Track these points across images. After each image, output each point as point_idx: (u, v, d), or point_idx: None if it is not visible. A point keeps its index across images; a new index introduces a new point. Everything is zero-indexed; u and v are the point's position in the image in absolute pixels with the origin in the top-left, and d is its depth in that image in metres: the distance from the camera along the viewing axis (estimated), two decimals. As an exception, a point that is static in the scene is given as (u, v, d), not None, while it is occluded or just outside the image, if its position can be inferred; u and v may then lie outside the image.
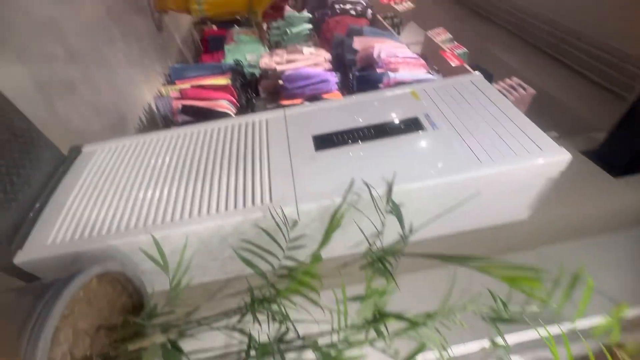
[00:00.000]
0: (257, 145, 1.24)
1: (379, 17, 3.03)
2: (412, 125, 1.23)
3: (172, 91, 2.26)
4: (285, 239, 0.92)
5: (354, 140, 1.19)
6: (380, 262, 0.81)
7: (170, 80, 2.43)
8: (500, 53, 2.44)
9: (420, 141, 1.16)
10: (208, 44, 3.17)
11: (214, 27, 3.29)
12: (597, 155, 1.63)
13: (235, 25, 3.23)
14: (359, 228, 0.89)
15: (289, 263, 0.88)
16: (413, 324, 0.75)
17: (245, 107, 2.30)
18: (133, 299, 0.98)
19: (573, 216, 1.49)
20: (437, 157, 1.09)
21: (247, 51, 2.69)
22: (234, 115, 2.04)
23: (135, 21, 2.28)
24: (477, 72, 1.47)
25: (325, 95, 2.11)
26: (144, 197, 1.10)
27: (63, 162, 1.30)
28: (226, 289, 1.29)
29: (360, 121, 1.28)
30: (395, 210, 0.83)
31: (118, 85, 1.89)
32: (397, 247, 0.82)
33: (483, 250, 1.43)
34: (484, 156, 1.07)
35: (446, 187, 1.04)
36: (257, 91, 2.66)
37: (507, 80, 1.93)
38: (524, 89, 1.84)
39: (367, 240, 0.86)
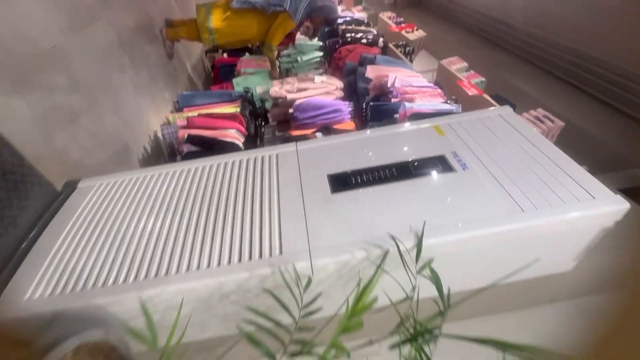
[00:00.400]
0: (266, 184, 1.13)
1: (390, 45, 3.00)
2: (438, 164, 1.10)
3: (179, 119, 2.20)
4: (297, 302, 0.77)
5: (375, 182, 1.07)
6: (415, 342, 0.66)
7: (179, 108, 2.38)
8: (518, 82, 2.34)
9: (450, 184, 1.03)
10: (219, 72, 3.16)
11: (225, 55, 3.30)
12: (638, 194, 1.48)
13: (247, 53, 3.23)
14: (386, 295, 0.74)
15: (302, 335, 0.73)
16: None
17: (254, 136, 2.22)
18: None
19: (618, 263, 1.31)
20: (472, 203, 0.96)
21: (256, 83, 2.66)
22: (241, 145, 1.95)
23: (146, 49, 2.26)
24: (506, 106, 1.35)
25: (337, 126, 2.02)
26: (137, 245, 0.98)
27: (55, 200, 1.20)
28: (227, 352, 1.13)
29: (380, 159, 1.16)
30: (435, 279, 0.69)
31: (124, 114, 1.82)
32: (434, 323, 0.67)
33: (519, 302, 1.25)
34: (526, 204, 0.93)
35: (483, 240, 0.89)
36: (266, 119, 2.59)
37: (532, 112, 1.81)
38: (551, 120, 1.72)
39: (398, 312, 0.71)
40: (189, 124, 2.05)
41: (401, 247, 0.85)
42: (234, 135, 1.96)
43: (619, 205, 0.89)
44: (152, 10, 2.44)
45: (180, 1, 2.99)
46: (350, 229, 0.93)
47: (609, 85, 1.90)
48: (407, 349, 0.67)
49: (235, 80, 2.75)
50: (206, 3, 2.51)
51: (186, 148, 1.88)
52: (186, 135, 1.89)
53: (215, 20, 2.46)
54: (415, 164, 1.11)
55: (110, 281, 0.90)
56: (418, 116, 1.79)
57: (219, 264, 0.90)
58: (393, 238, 0.86)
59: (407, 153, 1.17)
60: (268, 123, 2.62)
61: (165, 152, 2.24)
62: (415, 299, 0.75)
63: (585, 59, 2.04)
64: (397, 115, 1.90)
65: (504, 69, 2.52)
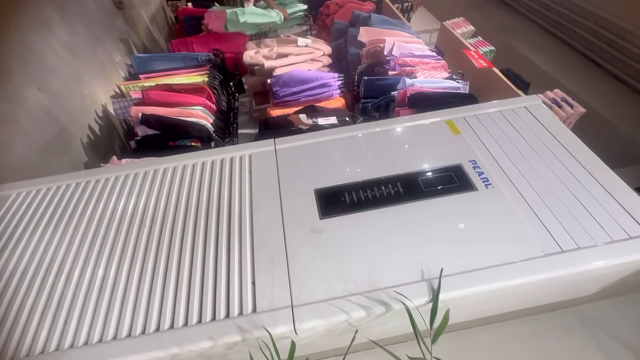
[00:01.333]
0: (236, 205, 0.87)
1: (387, 0, 2.58)
2: (455, 178, 0.87)
3: (133, 90, 1.82)
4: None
5: (375, 203, 0.84)
6: None
7: (134, 74, 1.97)
8: (530, 53, 2.06)
9: (471, 209, 0.81)
10: (182, 27, 2.66)
11: (189, 5, 2.77)
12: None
13: (216, 4, 2.72)
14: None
15: None
16: None
17: (226, 112, 1.89)
18: None
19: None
20: (500, 240, 0.75)
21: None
22: (210, 126, 1.63)
23: (83, -2, 1.78)
24: (533, 96, 1.11)
25: (324, 103, 1.72)
26: (61, 297, 0.73)
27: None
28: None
29: (382, 168, 0.92)
30: None
31: (55, 87, 1.44)
32: None
33: (516, 313, 1.13)
34: (568, 242, 0.74)
35: (512, 288, 0.70)
36: (241, 88, 2.23)
37: (549, 94, 1.58)
38: (571, 106, 1.50)
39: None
40: (145, 98, 1.68)
41: (410, 305, 0.65)
42: (200, 114, 1.63)
43: (679, 246, 0.71)
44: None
45: None
46: (346, 275, 0.72)
47: (634, 62, 1.66)
48: None
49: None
50: None
51: (141, 131, 1.54)
52: (140, 115, 1.55)
53: None
54: (425, 178, 0.88)
55: (24, 351, 0.66)
56: (420, 97, 1.52)
57: (171, 325, 0.68)
58: (401, 299, 0.65)
59: (414, 159, 0.94)
60: (243, 92, 2.27)
61: (120, 129, 1.89)
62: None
63: (611, 30, 1.76)
64: (394, 93, 1.62)
65: (514, 36, 2.20)
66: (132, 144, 1.51)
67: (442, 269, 0.69)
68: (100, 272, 0.76)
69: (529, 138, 0.96)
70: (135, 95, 1.75)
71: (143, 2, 2.61)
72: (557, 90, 1.58)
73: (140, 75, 1.91)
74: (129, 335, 0.67)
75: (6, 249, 0.82)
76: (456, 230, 0.77)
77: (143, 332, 0.67)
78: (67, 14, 1.60)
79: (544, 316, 1.30)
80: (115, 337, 0.67)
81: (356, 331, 0.68)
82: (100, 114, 1.74)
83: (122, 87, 1.86)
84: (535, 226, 0.76)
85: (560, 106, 1.51)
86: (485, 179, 0.86)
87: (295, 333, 0.68)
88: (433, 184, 0.86)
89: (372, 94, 1.71)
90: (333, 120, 1.52)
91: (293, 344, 0.64)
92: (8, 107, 1.17)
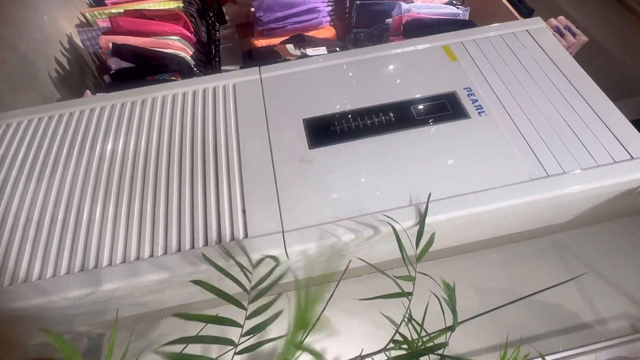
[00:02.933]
0: (222, 131, 0.84)
1: None
2: (448, 106, 0.85)
3: (100, 18, 1.63)
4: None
5: (366, 132, 0.82)
6: (414, 360, 0.54)
7: (98, 1, 1.75)
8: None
9: (462, 136, 0.80)
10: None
11: None
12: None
13: None
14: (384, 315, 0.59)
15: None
16: None
17: (206, 44, 1.74)
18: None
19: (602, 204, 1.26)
20: (488, 164, 0.76)
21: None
22: (190, 58, 1.51)
23: None
24: (536, 18, 1.03)
25: (313, 32, 1.58)
26: (50, 226, 0.73)
27: None
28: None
29: (373, 96, 0.88)
30: (450, 298, 0.53)
31: (10, 15, 1.27)
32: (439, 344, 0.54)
33: (494, 241, 1.21)
34: (554, 167, 0.74)
35: (496, 211, 0.73)
36: (222, 18, 2.02)
37: (552, 21, 1.47)
38: (574, 34, 1.42)
39: (395, 328, 0.58)
40: (114, 27, 1.52)
41: (398, 228, 0.67)
42: (178, 45, 1.49)
43: (659, 169, 0.73)
44: None
45: None
46: (335, 201, 0.73)
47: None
48: (405, 368, 0.56)
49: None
50: None
51: (114, 64, 1.42)
52: (111, 45, 1.41)
53: None
54: (418, 106, 0.85)
55: (20, 278, 0.68)
56: (416, 24, 1.41)
57: (165, 251, 0.69)
58: (389, 221, 0.67)
59: (406, 87, 0.89)
60: (224, 23, 2.07)
61: (92, 64, 1.74)
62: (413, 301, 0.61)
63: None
64: (389, 21, 1.50)
65: None
66: (106, 78, 1.40)
67: (430, 194, 0.70)
68: (87, 204, 0.75)
69: (527, 64, 0.91)
70: (103, 23, 1.58)
71: None
72: (561, 18, 1.47)
73: (106, 1, 1.70)
74: (123, 261, 0.68)
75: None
76: (446, 157, 0.77)
77: (137, 258, 0.69)
78: None
79: (521, 244, 1.40)
80: (110, 263, 0.68)
81: (350, 261, 0.71)
82: (67, 45, 1.58)
83: (88, 15, 1.66)
84: (524, 152, 0.76)
85: (562, 35, 1.43)
86: (479, 107, 0.84)
87: (287, 257, 0.70)
88: (425, 112, 0.84)
89: (365, 22, 1.58)
90: (322, 50, 1.42)
91: (277, 260, 0.67)
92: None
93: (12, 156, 0.84)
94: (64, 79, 1.51)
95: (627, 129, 0.79)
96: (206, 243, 0.70)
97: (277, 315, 0.60)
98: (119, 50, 1.39)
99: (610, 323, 1.29)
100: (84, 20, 1.71)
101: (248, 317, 0.60)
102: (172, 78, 1.43)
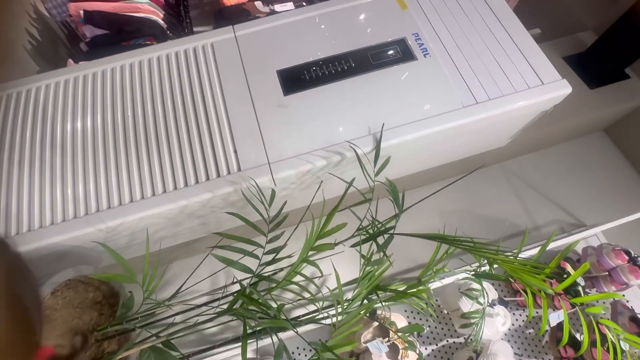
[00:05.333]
0: (207, 87, 0.97)
1: None
2: (399, 51, 1.00)
3: (63, -16, 1.61)
4: (264, 218, 0.81)
5: (330, 77, 0.96)
6: (373, 240, 0.76)
7: (55, -37, 1.70)
8: None
9: (410, 75, 0.96)
10: None
11: None
12: (580, 61, 1.54)
13: None
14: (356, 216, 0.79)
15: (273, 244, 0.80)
16: (406, 294, 0.76)
17: (175, 6, 1.75)
18: (103, 290, 0.89)
19: (540, 132, 1.49)
20: (430, 97, 0.93)
21: None
22: (162, 21, 1.55)
23: None
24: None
25: (280, -12, 1.63)
26: (73, 176, 0.87)
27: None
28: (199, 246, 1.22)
29: (335, 46, 1.01)
30: (392, 189, 0.73)
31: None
32: (388, 227, 0.76)
33: (454, 169, 1.44)
34: (482, 95, 0.93)
35: (437, 135, 0.92)
36: (186, -24, 1.99)
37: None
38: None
39: (357, 217, 0.78)
40: (81, -7, 1.52)
41: (359, 152, 0.85)
42: (148, 8, 1.52)
43: (562, 91, 0.93)
44: None
45: None
46: (309, 136, 0.90)
47: None
48: (367, 248, 0.78)
49: None
50: None
51: (89, 32, 1.45)
52: (82, 13, 1.43)
53: None
54: (374, 52, 0.99)
55: (59, 218, 0.83)
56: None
57: (175, 187, 0.86)
58: (352, 146, 0.85)
59: (365, 36, 1.03)
60: (189, -18, 2.04)
61: (61, 34, 1.74)
62: (373, 200, 0.81)
63: None
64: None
65: None
66: (83, 46, 1.45)
67: (383, 124, 0.88)
68: (101, 156, 0.89)
69: (468, 9, 1.05)
70: (67, -11, 1.56)
71: None
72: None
73: (64, -36, 1.66)
74: (142, 197, 0.85)
75: (3, 148, 0.91)
76: (396, 94, 0.94)
77: (153, 194, 0.85)
78: None
79: (477, 172, 1.64)
80: (132, 200, 0.84)
81: (321, 182, 0.89)
82: (34, 15, 1.57)
83: (48, -19, 1.63)
84: (459, 85, 0.94)
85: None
86: (425, 50, 0.99)
87: (274, 183, 0.88)
88: (380, 58, 0.99)
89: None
90: (290, 6, 1.50)
91: (273, 192, 0.85)
92: None
93: (16, 127, 0.94)
94: (38, 50, 1.53)
95: (542, 60, 0.97)
96: (208, 178, 0.86)
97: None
98: (91, 17, 1.42)
99: (543, 228, 1.59)
100: (44, -13, 1.68)
101: (268, 242, 0.78)
102: (148, 42, 1.49)
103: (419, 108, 0.92)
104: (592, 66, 1.48)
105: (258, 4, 1.51)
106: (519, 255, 0.77)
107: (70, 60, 1.29)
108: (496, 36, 1.00)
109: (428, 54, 0.98)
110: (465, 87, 0.94)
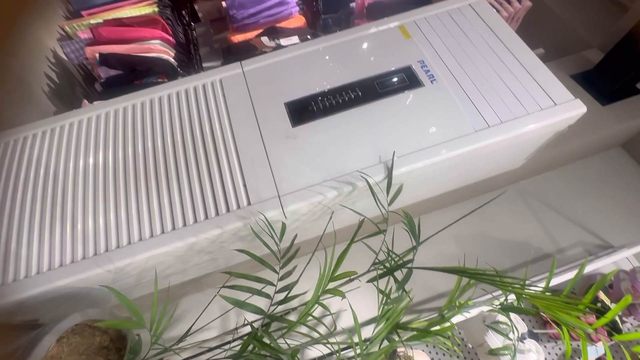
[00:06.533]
0: (216, 122, 0.98)
1: None
2: (405, 79, 1.00)
3: (81, 30, 1.70)
4: (275, 253, 0.78)
5: (338, 107, 0.96)
6: (391, 275, 0.72)
7: (74, 12, 1.81)
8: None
9: (418, 101, 0.96)
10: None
11: None
12: (588, 79, 1.53)
13: None
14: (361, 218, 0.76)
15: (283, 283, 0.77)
16: (429, 332, 0.71)
17: (185, 44, 1.83)
18: (110, 333, 0.85)
19: (554, 151, 1.45)
20: (441, 123, 0.92)
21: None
22: (173, 60, 1.61)
23: None
24: (478, -5, 1.17)
25: (284, 23, 1.70)
26: (84, 215, 0.87)
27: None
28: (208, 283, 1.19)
29: (341, 76, 1.02)
30: (409, 223, 0.70)
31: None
32: (406, 260, 0.72)
33: (467, 191, 1.40)
34: (493, 118, 0.91)
35: (450, 161, 0.90)
36: (196, 17, 2.10)
37: (500, -10, 1.62)
38: (519, 1, 1.56)
39: (373, 250, 0.75)
40: (97, 37, 1.61)
41: (371, 181, 0.83)
42: (159, 48, 1.59)
43: (576, 111, 0.90)
44: None
45: None
46: (319, 167, 0.88)
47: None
48: (384, 282, 0.73)
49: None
50: None
51: (103, 72, 1.52)
52: (98, 55, 1.50)
53: None
54: (380, 81, 1.00)
55: (68, 260, 0.82)
56: (377, 6, 1.54)
57: (184, 223, 0.84)
58: (364, 176, 0.83)
59: (370, 66, 1.04)
60: (198, 21, 2.15)
61: (78, 76, 1.82)
62: (389, 232, 0.78)
63: None
64: (353, 5, 1.62)
65: None
66: (98, 86, 1.50)
67: (394, 152, 0.87)
68: (111, 195, 0.89)
69: (470, 33, 1.06)
70: (84, 35, 1.66)
71: None
72: (506, -14, 1.62)
73: (82, 12, 1.77)
74: (151, 235, 0.83)
75: (17, 188, 0.92)
76: (405, 121, 0.93)
77: (162, 232, 0.84)
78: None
79: (491, 194, 1.59)
80: (141, 239, 0.83)
81: (332, 213, 0.87)
82: (52, 59, 1.66)
83: (67, 28, 1.73)
84: (469, 109, 0.93)
85: (510, 2, 1.58)
86: (431, 76, 0.99)
87: (285, 216, 0.86)
88: (387, 85, 0.99)
89: (331, 8, 1.69)
90: (295, 39, 1.54)
91: (284, 225, 0.83)
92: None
93: (30, 167, 0.96)
94: (56, 92, 1.60)
95: (551, 81, 0.95)
96: (217, 213, 0.85)
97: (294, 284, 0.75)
98: (106, 59, 1.49)
99: (568, 251, 1.51)
100: (64, 33, 1.78)
101: (280, 279, 0.75)
102: (159, 80, 1.54)
103: (430, 134, 0.90)
104: (602, 83, 1.47)
105: (264, 39, 1.56)
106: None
107: (85, 101, 1.33)
108: (502, 59, 1.00)
109: (435, 79, 0.98)
110: (475, 110, 0.92)
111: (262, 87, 1.03)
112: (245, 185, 0.88)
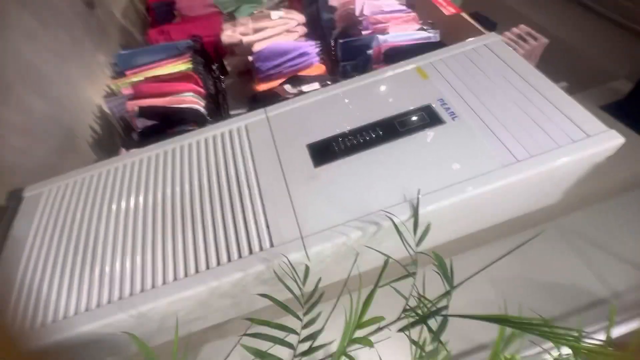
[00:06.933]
0: (241, 165, 1.01)
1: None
2: (425, 117, 1.00)
3: (124, 87, 1.90)
4: (298, 298, 0.74)
5: (359, 147, 0.97)
6: (424, 323, 0.66)
7: (119, 72, 2.04)
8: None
9: (441, 138, 0.95)
10: (154, 14, 2.66)
11: (159, -7, 2.75)
12: (620, 109, 1.47)
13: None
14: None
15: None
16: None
17: (214, 94, 1.98)
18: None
19: (594, 184, 1.35)
20: (465, 159, 0.90)
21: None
22: (203, 109, 1.73)
23: (56, 3, 1.81)
24: (492, 33, 1.21)
25: (306, 72, 1.81)
26: (112, 258, 0.89)
27: (2, 219, 1.04)
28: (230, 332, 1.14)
29: (362, 117, 1.04)
30: (441, 266, 0.65)
31: (52, 93, 1.53)
32: (440, 306, 0.66)
33: (502, 228, 1.30)
34: (521, 152, 0.88)
35: (478, 198, 0.86)
36: (224, 70, 2.29)
37: (515, 30, 1.66)
38: (535, 38, 1.59)
39: (404, 296, 0.70)
40: (137, 93, 1.77)
41: (396, 221, 0.80)
42: (192, 99, 1.72)
43: (613, 142, 0.86)
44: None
45: None
46: (341, 207, 0.87)
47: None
48: (416, 331, 0.67)
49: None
50: None
51: (141, 123, 1.65)
52: (137, 108, 1.65)
53: None
54: (400, 120, 1.01)
55: (94, 304, 0.83)
56: (394, 51, 1.61)
57: (207, 267, 0.84)
58: (388, 215, 0.80)
59: (390, 106, 1.06)
60: (227, 74, 2.33)
61: (118, 127, 1.99)
62: (418, 276, 0.73)
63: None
64: (370, 52, 1.71)
65: None
66: (135, 136, 1.63)
67: (419, 190, 0.84)
68: (139, 238, 0.91)
69: (488, 71, 1.07)
70: (127, 91, 1.84)
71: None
72: (521, 26, 1.66)
73: (126, 72, 1.98)
74: (175, 279, 0.83)
75: (55, 232, 0.96)
76: (429, 158, 0.92)
77: (186, 275, 0.83)
78: (46, 20, 1.65)
79: (526, 232, 1.48)
80: (164, 282, 0.83)
81: (357, 254, 0.84)
82: (98, 113, 1.84)
83: (113, 86, 1.94)
84: (494, 144, 0.90)
85: (525, 40, 1.61)
86: (452, 113, 0.99)
87: (308, 258, 0.84)
88: (407, 124, 0.99)
89: (349, 56, 1.79)
90: (316, 86, 1.63)
91: (307, 268, 0.80)
92: (19, 117, 1.28)
93: (69, 212, 1.02)
94: (98, 142, 1.75)
95: (580, 112, 0.92)
96: (240, 256, 0.84)
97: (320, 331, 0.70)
98: (144, 112, 1.63)
99: (625, 296, 1.34)
100: (109, 90, 1.99)
101: (304, 326, 0.71)
102: (191, 128, 1.65)
103: (455, 171, 0.88)
104: (636, 112, 1.40)
105: (287, 87, 1.66)
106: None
107: (122, 149, 1.44)
108: (524, 93, 0.99)
109: (456, 116, 0.98)
110: (501, 145, 0.90)
111: (285, 130, 1.07)
112: (268, 227, 0.88)
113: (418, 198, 0.83)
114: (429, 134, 0.96)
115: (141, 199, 1.00)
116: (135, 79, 1.93)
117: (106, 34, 2.30)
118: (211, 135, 1.12)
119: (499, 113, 0.96)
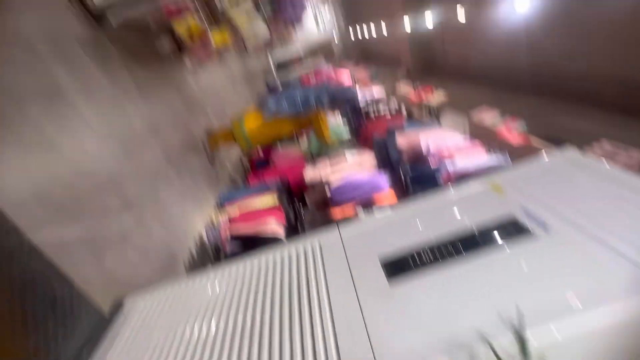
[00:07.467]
0: (313, 283, 0.99)
1: (413, 110, 3.04)
2: (511, 228, 0.92)
3: (222, 217, 2.25)
4: None
5: (437, 261, 0.90)
6: None
7: (220, 205, 2.46)
8: (560, 119, 2.16)
9: (532, 250, 0.83)
10: (255, 165, 3.36)
11: (260, 153, 3.53)
12: None
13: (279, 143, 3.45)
14: None
15: None
16: None
17: (294, 224, 2.18)
18: None
19: None
20: (572, 273, 0.74)
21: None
22: (283, 237, 1.89)
23: (190, 160, 2.48)
24: (570, 149, 1.18)
25: (378, 199, 1.92)
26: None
27: (102, 327, 1.15)
28: None
29: (437, 233, 1.00)
30: None
31: (170, 223, 1.89)
32: None
33: None
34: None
35: (611, 330, 0.65)
36: (305, 203, 2.58)
37: (602, 145, 1.59)
38: (625, 150, 1.47)
39: None
40: (231, 221, 2.07)
41: (495, 345, 0.64)
42: (274, 228, 1.92)
43: None
44: (195, 129, 2.76)
45: (217, 115, 3.39)
46: (421, 328, 0.74)
47: None
48: None
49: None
50: (239, 115, 2.78)
51: (229, 248, 1.85)
52: (229, 235, 1.89)
53: (249, 129, 2.64)
54: (483, 232, 0.94)
55: None
56: (464, 176, 1.65)
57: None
58: (487, 342, 0.65)
59: (466, 221, 1.01)
60: (306, 206, 2.60)
61: (210, 252, 2.24)
62: None
63: (634, 86, 1.86)
64: (439, 176, 1.78)
65: (535, 110, 2.37)
66: (223, 257, 1.80)
67: (521, 312, 0.69)
68: (207, 350, 0.88)
69: (580, 184, 1.00)
70: (223, 219, 2.16)
71: (227, 158, 3.45)
72: (603, 142, 1.59)
73: (226, 204, 2.39)
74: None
75: (158, 335, 1.01)
76: (525, 272, 0.78)
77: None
78: (181, 170, 2.23)
79: None
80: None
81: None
82: (198, 240, 2.14)
83: (214, 218, 2.31)
84: (609, 256, 0.74)
85: (615, 154, 1.50)
86: (542, 223, 0.89)
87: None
88: (488, 236, 0.91)
89: (419, 188, 1.88)
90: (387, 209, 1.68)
91: None
92: (142, 239, 1.58)
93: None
94: (192, 264, 1.97)
95: None
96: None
97: None
98: (234, 238, 1.85)
99: None
100: (210, 222, 2.37)
101: None
102: (270, 251, 1.77)
103: (563, 287, 0.71)
104: None
105: (360, 212, 1.75)
106: None
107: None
108: (632, 202, 0.86)
109: (549, 227, 0.87)
110: (621, 258, 0.73)
111: (358, 248, 1.07)
112: (338, 351, 0.77)
113: (520, 321, 0.67)
114: (517, 245, 0.85)
115: (224, 316, 1.01)
116: (231, 210, 2.29)
117: (218, 180, 2.93)
118: (287, 253, 1.18)
119: (605, 223, 0.83)
